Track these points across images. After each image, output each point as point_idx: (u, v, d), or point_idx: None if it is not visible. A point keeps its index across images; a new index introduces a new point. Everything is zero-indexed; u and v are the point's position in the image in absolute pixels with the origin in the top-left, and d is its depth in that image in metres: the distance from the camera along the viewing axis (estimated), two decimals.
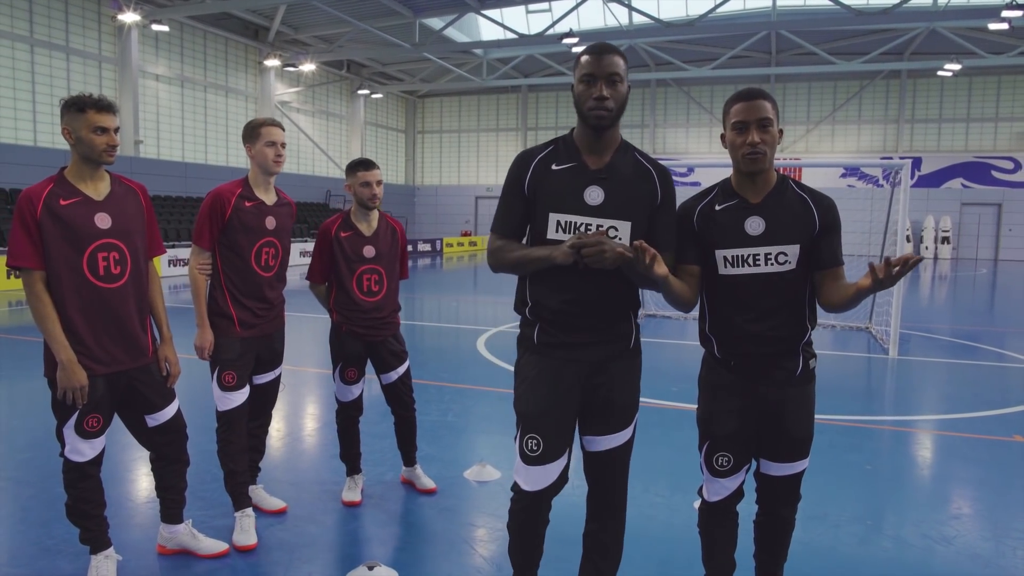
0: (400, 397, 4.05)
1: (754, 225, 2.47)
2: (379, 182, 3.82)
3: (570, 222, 2.39)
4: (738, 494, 2.67)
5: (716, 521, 2.71)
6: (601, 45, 2.37)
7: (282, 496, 3.95)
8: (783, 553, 2.78)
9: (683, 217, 2.57)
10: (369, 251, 3.83)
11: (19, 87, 19.48)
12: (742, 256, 2.48)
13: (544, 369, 2.47)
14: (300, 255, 22.90)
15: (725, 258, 2.49)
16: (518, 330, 2.60)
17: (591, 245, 2.22)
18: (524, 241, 2.53)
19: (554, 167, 2.43)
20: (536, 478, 2.46)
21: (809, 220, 2.47)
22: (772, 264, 2.46)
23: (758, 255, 2.47)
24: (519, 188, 2.47)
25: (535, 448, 2.45)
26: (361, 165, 3.81)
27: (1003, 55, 26.23)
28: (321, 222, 27.22)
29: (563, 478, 2.52)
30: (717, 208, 2.53)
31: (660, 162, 2.54)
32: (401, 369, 4.01)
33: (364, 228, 3.86)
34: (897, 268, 2.17)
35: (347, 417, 4.03)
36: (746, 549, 2.83)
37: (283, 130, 3.55)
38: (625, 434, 2.54)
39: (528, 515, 2.53)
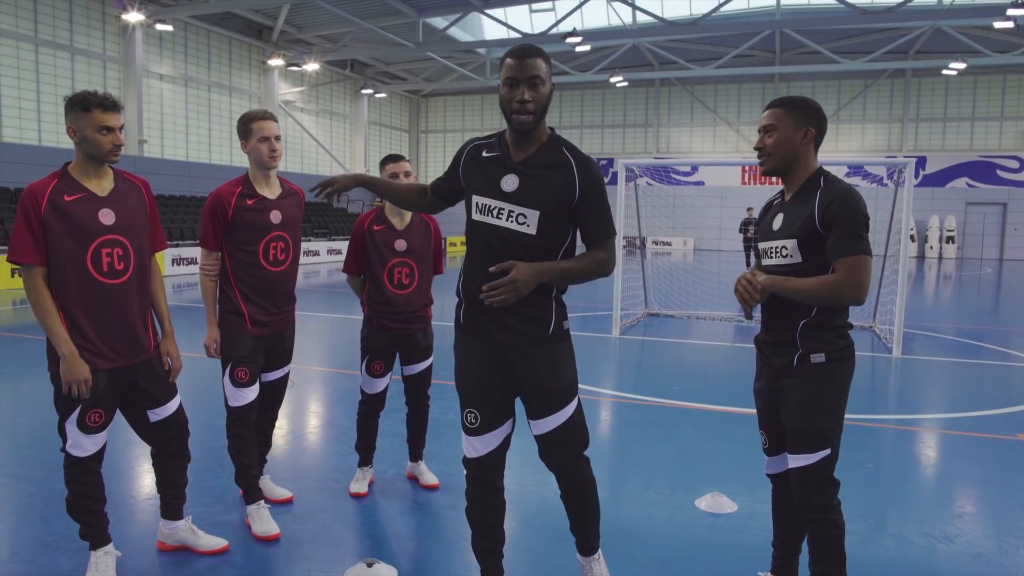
0: (416, 390, 4.16)
1: None
2: (407, 174, 3.87)
3: (486, 204, 2.54)
4: None
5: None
6: (523, 48, 2.45)
7: None
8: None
9: None
10: (401, 245, 3.91)
11: (24, 87, 19.53)
12: None
13: (471, 349, 2.64)
14: (304, 254, 22.95)
15: None
16: None
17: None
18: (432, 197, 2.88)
19: (484, 154, 2.60)
20: (477, 446, 2.67)
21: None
22: None
23: None
24: (455, 164, 2.72)
25: (473, 421, 2.66)
26: (390, 159, 3.91)
27: (1008, 54, 26.14)
28: (323, 222, 26.92)
29: (505, 444, 2.70)
30: None
31: (585, 154, 2.58)
32: (423, 364, 4.12)
33: (397, 222, 3.94)
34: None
35: (368, 409, 4.12)
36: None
37: (275, 122, 3.51)
38: (564, 414, 2.61)
39: (479, 483, 2.69)
